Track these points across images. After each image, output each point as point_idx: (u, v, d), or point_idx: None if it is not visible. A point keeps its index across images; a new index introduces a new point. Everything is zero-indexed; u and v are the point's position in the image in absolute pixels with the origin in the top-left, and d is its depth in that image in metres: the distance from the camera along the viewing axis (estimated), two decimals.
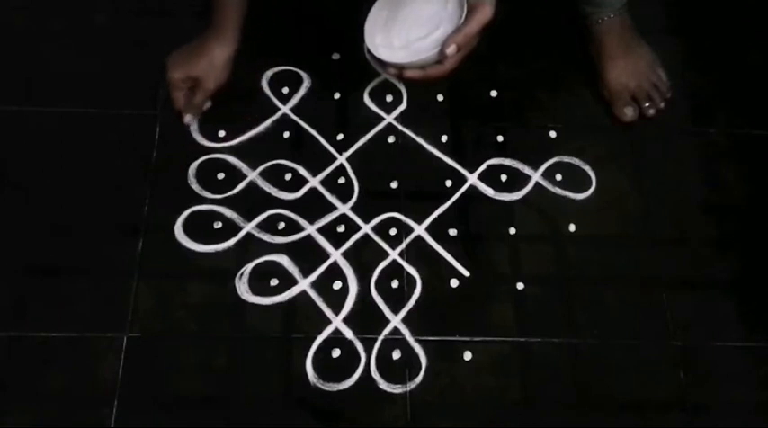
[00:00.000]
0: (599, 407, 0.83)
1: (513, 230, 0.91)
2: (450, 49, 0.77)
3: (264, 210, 0.89)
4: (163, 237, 0.87)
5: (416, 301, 0.86)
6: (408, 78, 0.82)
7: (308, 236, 0.89)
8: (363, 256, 0.88)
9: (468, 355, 0.84)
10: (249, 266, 0.86)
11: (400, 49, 0.84)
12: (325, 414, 0.80)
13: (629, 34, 0.98)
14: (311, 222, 0.89)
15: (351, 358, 0.82)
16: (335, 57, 1.01)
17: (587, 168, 0.96)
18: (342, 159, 0.94)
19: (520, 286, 0.88)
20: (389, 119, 0.97)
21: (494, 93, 1.01)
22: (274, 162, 0.93)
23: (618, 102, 0.99)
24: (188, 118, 0.94)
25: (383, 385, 0.81)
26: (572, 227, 0.92)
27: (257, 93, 0.97)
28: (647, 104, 0.98)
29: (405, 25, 0.84)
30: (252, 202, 0.90)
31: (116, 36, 1.00)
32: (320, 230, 0.89)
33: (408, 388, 0.81)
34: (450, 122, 0.98)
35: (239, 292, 0.85)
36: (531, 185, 0.94)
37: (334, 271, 0.87)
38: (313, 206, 0.91)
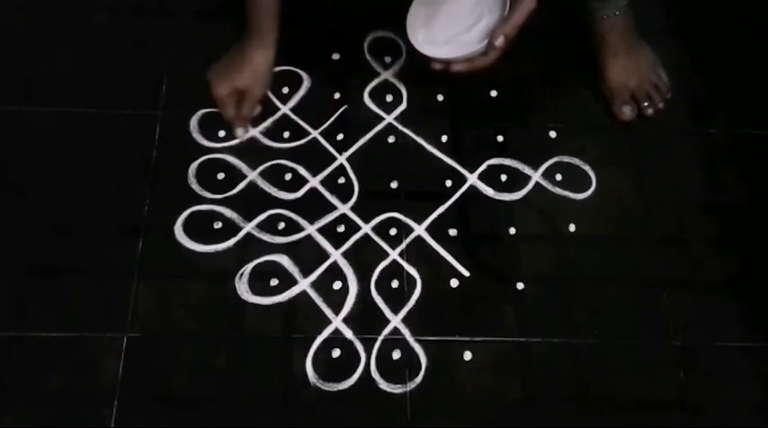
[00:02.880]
0: (599, 407, 0.83)
1: (513, 230, 0.91)
2: (500, 41, 0.80)
3: (264, 210, 0.89)
4: (163, 237, 0.87)
5: (416, 301, 0.86)
6: (456, 71, 0.84)
7: (308, 236, 0.89)
8: (363, 256, 0.88)
9: (468, 355, 0.84)
10: (249, 266, 0.86)
11: (445, 43, 0.86)
12: (325, 414, 0.80)
13: (631, 34, 0.98)
14: (311, 222, 0.89)
15: (351, 358, 0.82)
16: (335, 57, 1.01)
17: (587, 168, 0.96)
18: (342, 159, 0.94)
19: (520, 286, 0.88)
20: (389, 119, 0.97)
21: (494, 93, 1.01)
22: (274, 162, 0.93)
23: (617, 101, 0.99)
24: (240, 131, 0.93)
25: (383, 385, 0.81)
26: (572, 227, 0.92)
27: None
28: (645, 104, 0.98)
29: (447, 20, 0.87)
30: (252, 202, 0.90)
31: (116, 36, 1.00)
32: (320, 230, 0.89)
33: (408, 388, 0.81)
34: (451, 122, 0.98)
35: (239, 292, 0.85)
36: (531, 185, 0.94)
37: (334, 272, 0.87)
38: (313, 206, 0.91)
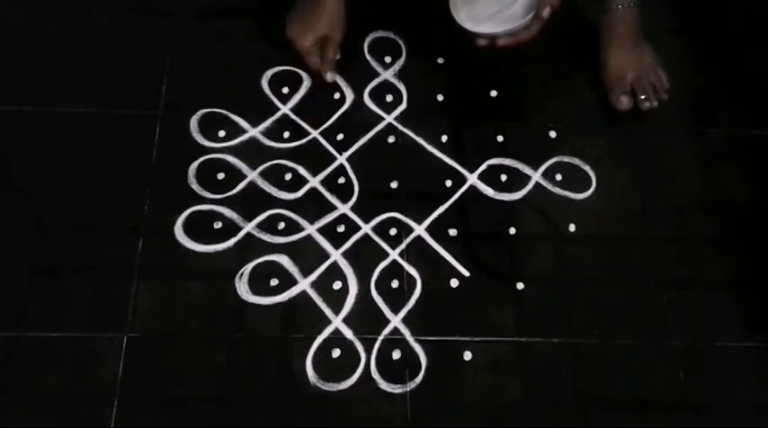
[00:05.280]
0: (599, 407, 0.83)
1: (513, 230, 0.91)
2: (546, 11, 0.84)
3: (264, 210, 0.89)
4: (163, 237, 0.87)
5: (416, 301, 0.86)
6: (502, 46, 0.88)
7: (308, 236, 0.89)
8: (363, 256, 0.88)
9: (468, 355, 0.84)
10: (249, 266, 0.86)
11: (488, 20, 0.89)
12: (325, 414, 0.80)
13: (638, 31, 0.99)
14: (311, 222, 0.89)
15: (351, 358, 0.82)
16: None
17: (587, 168, 0.96)
18: (342, 159, 0.94)
19: (520, 286, 0.88)
20: (389, 119, 0.97)
21: (494, 93, 1.01)
22: (274, 162, 0.93)
23: (615, 90, 0.99)
24: (330, 75, 0.97)
25: (383, 385, 0.81)
26: (572, 227, 0.92)
27: (257, 93, 0.98)
28: (642, 97, 0.99)
29: None
30: (252, 202, 0.90)
31: (116, 36, 1.00)
32: (320, 230, 0.89)
33: (408, 388, 0.81)
34: (450, 122, 0.98)
35: (239, 292, 0.85)
36: (531, 185, 0.94)
37: (334, 271, 0.87)
38: (313, 206, 0.91)
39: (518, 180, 0.95)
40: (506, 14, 0.88)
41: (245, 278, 0.85)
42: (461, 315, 0.86)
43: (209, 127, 0.94)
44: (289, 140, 0.95)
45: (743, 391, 0.85)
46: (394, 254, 0.88)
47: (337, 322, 0.84)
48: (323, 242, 0.88)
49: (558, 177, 0.95)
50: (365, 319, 0.84)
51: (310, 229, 0.89)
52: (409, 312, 0.85)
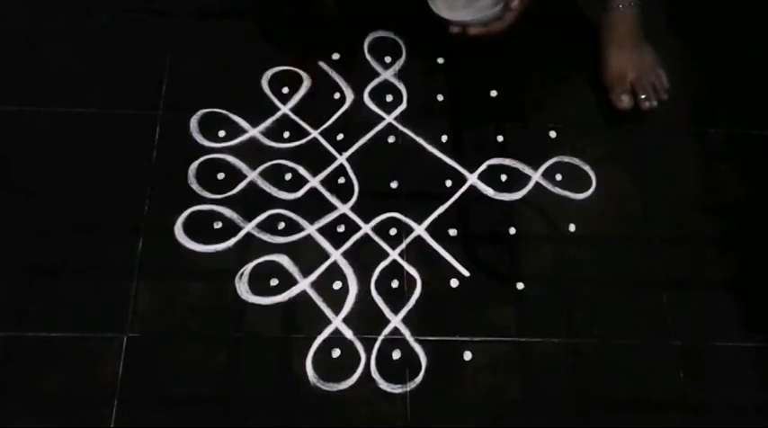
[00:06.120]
0: (599, 407, 0.83)
1: (513, 230, 0.91)
2: (515, 3, 0.87)
3: (264, 210, 0.89)
4: (163, 237, 0.87)
5: (416, 301, 0.86)
6: (473, 35, 0.92)
7: (308, 236, 0.89)
8: (363, 256, 0.88)
9: (468, 355, 0.84)
10: (249, 266, 0.86)
11: (462, 8, 0.93)
12: (325, 414, 0.80)
13: (639, 31, 1.00)
14: (311, 222, 0.89)
15: (351, 358, 0.82)
16: (335, 57, 1.01)
17: (587, 168, 0.96)
18: (342, 159, 0.94)
19: (520, 286, 0.88)
20: (389, 119, 0.97)
21: (494, 93, 1.01)
22: (274, 162, 0.93)
23: (616, 89, 0.99)
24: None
25: (383, 385, 0.81)
26: (572, 227, 0.92)
27: (257, 93, 0.98)
28: (643, 96, 0.99)
29: None
30: (252, 202, 0.90)
31: (116, 36, 1.00)
32: (320, 230, 0.89)
33: (408, 388, 0.81)
34: (450, 122, 0.98)
35: (239, 292, 0.85)
36: (531, 185, 0.94)
37: (334, 271, 0.87)
38: (313, 206, 0.91)
39: (518, 180, 0.95)
40: (480, 4, 0.91)
41: (245, 278, 0.85)
42: (461, 315, 0.86)
43: (209, 127, 0.94)
44: (289, 140, 0.95)
45: (743, 391, 0.85)
46: (394, 254, 0.88)
47: (337, 322, 0.84)
48: (323, 242, 0.88)
49: (558, 177, 0.95)
50: (365, 319, 0.84)
51: (310, 229, 0.89)
52: (409, 312, 0.85)
